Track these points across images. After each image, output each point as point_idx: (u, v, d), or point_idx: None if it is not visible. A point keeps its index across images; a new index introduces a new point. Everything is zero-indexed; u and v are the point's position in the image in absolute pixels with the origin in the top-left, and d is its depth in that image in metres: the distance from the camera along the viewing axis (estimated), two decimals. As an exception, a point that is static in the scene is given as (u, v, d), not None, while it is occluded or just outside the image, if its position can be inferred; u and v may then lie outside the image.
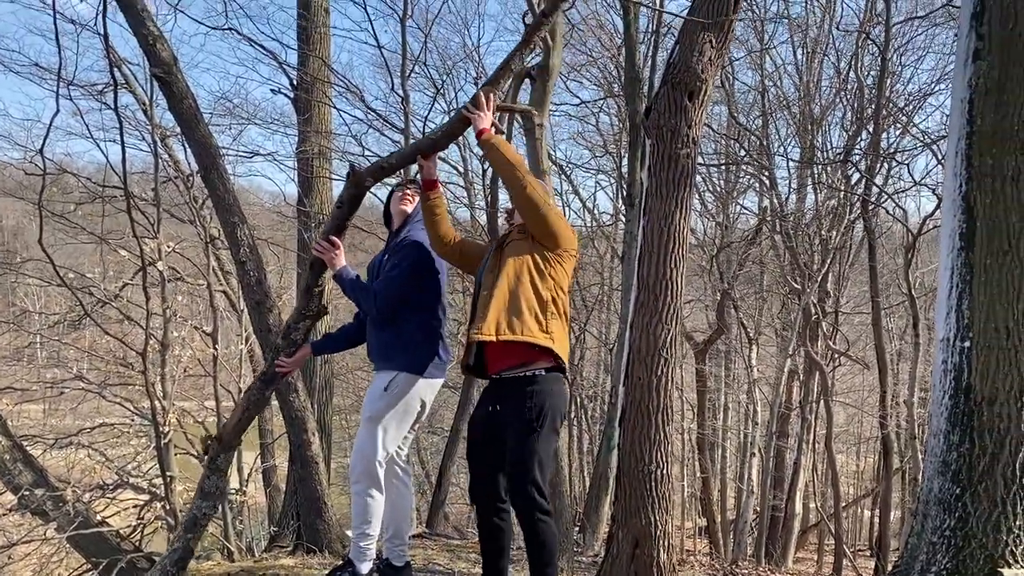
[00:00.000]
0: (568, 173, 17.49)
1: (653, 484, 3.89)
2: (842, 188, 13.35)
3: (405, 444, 3.88)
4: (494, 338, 3.12)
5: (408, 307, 3.65)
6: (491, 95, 3.32)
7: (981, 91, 3.85)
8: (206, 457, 3.93)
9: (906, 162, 13.76)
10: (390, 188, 3.91)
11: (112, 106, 6.93)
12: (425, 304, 3.70)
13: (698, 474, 17.20)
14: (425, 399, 3.76)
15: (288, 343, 3.79)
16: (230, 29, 9.09)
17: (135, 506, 9.07)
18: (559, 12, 4.05)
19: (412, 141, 3.70)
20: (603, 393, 18.48)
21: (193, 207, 8.39)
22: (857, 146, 13.09)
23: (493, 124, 3.34)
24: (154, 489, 8.86)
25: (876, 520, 17.68)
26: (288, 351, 3.79)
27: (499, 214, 7.54)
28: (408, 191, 3.83)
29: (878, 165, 12.86)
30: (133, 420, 9.97)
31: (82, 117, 8.55)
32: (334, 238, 3.57)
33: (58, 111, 6.14)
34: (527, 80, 5.55)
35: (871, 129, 12.19)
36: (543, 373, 3.18)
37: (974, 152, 3.96)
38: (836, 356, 15.20)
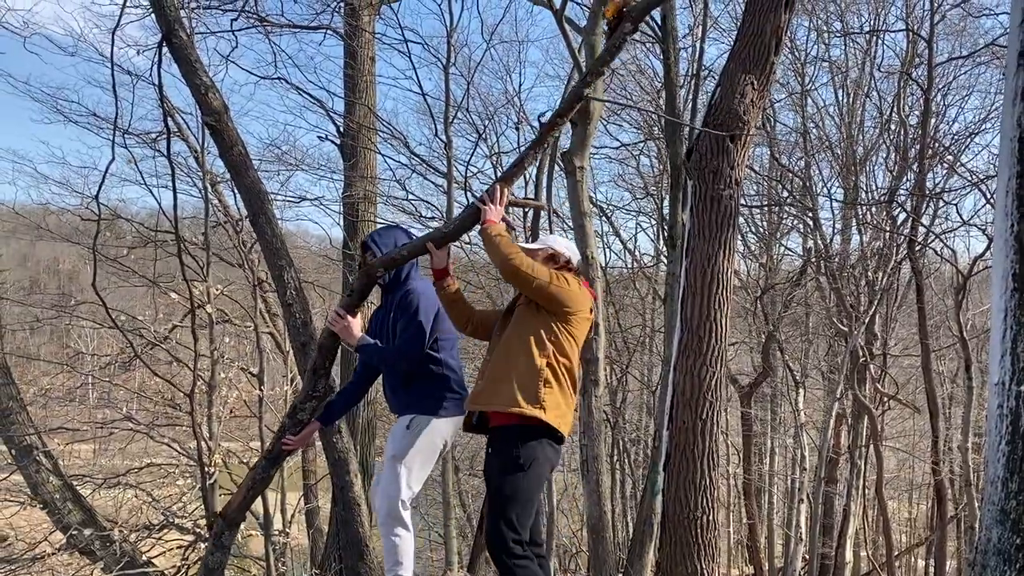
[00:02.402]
0: (609, 215, 17.52)
1: (699, 531, 3.82)
2: (888, 228, 13.18)
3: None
4: (482, 408, 3.30)
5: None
6: (504, 190, 3.46)
7: (1030, 130, 3.78)
8: (211, 533, 3.97)
9: (954, 202, 13.59)
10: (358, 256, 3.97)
11: (165, 153, 7.16)
12: (433, 349, 3.74)
13: (744, 520, 16.82)
14: (447, 437, 3.80)
15: (294, 423, 3.84)
16: (279, 78, 9.38)
17: (180, 547, 9.14)
18: (575, 112, 4.20)
19: (425, 232, 3.79)
20: (646, 436, 18.25)
21: (241, 251, 8.57)
22: (902, 186, 12.94)
23: (503, 219, 3.44)
24: (199, 530, 8.92)
25: (931, 570, 17.06)
26: (294, 430, 3.85)
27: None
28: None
29: (924, 205, 12.69)
30: (180, 461, 10.09)
31: (136, 164, 8.83)
32: (344, 312, 3.64)
33: (113, 158, 6.33)
34: (569, 124, 5.62)
35: (916, 169, 12.06)
36: (532, 427, 3.22)
37: (1024, 192, 3.89)
38: (885, 400, 14.85)
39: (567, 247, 3.52)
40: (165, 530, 8.97)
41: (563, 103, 3.54)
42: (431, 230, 3.82)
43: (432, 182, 15.19)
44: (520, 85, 25.52)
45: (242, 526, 8.72)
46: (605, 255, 18.27)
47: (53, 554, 8.28)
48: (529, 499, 3.20)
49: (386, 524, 3.67)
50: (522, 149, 3.54)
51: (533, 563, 3.15)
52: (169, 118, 7.06)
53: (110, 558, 7.85)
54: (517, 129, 16.11)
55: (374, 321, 3.97)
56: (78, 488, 8.45)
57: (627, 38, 3.49)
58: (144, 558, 8.45)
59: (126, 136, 7.37)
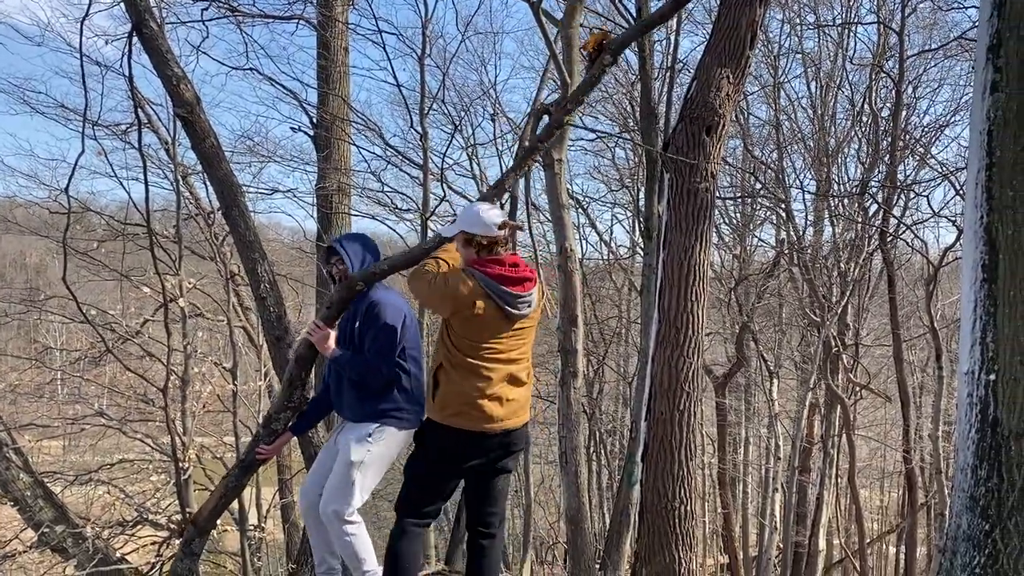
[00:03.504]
0: (585, 207, 17.56)
1: (676, 520, 3.85)
2: (859, 220, 13.32)
3: None
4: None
5: None
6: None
7: (1000, 123, 3.83)
8: (180, 540, 3.96)
9: (924, 193, 13.74)
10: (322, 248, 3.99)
11: (136, 145, 7.05)
12: (401, 357, 3.75)
13: (719, 509, 16.98)
14: (402, 448, 3.88)
15: (268, 432, 3.88)
16: (251, 69, 9.25)
17: (154, 543, 9.04)
18: (554, 138, 4.28)
19: (411, 247, 3.86)
20: (622, 427, 18.36)
21: (214, 244, 8.49)
22: (874, 178, 13.09)
23: (511, 224, 3.52)
24: (173, 526, 8.84)
25: (901, 557, 17.34)
26: (268, 440, 3.89)
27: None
28: (335, 262, 3.84)
29: (895, 197, 12.84)
30: (153, 456, 9.99)
31: (106, 156, 8.69)
32: (323, 324, 3.65)
33: (83, 151, 6.21)
34: (546, 117, 5.60)
35: (887, 161, 12.19)
36: (431, 424, 3.48)
37: (994, 184, 3.93)
38: (857, 389, 15.04)
39: (479, 222, 3.39)
40: (139, 526, 8.87)
41: (544, 130, 3.61)
42: (418, 245, 3.85)
43: (408, 173, 15.14)
44: (496, 77, 25.55)
45: (218, 521, 8.66)
46: (581, 247, 18.32)
47: (24, 552, 8.15)
48: (423, 486, 3.44)
49: (333, 526, 3.67)
50: (503, 173, 3.61)
51: (416, 540, 3.44)
52: (139, 109, 6.94)
53: (83, 555, 7.74)
54: (493, 121, 16.07)
55: (340, 322, 3.94)
56: (49, 485, 8.33)
57: (606, 70, 3.55)
58: (118, 555, 8.34)
59: (96, 128, 7.23)
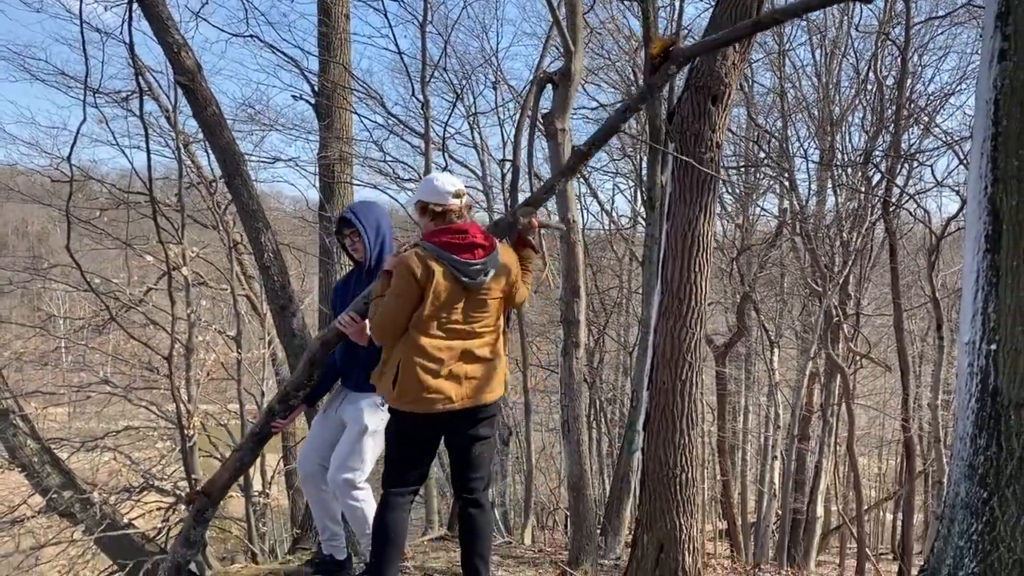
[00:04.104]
0: (586, 176, 17.49)
1: (678, 488, 3.89)
2: (863, 189, 13.27)
3: None
4: None
5: None
6: (532, 217, 3.71)
7: (1007, 92, 3.81)
8: (193, 508, 4.01)
9: (928, 163, 13.70)
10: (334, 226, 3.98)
11: (137, 113, 7.03)
12: None
13: (718, 477, 17.14)
14: None
15: (284, 408, 3.94)
16: (251, 36, 9.19)
17: (160, 508, 9.16)
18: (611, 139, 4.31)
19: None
20: (622, 396, 18.47)
21: (216, 212, 8.47)
22: (877, 147, 13.01)
23: (528, 243, 3.71)
24: (179, 491, 8.95)
25: (899, 523, 17.52)
26: (283, 415, 3.95)
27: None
28: (349, 233, 3.89)
29: (899, 166, 12.78)
30: (158, 423, 10.06)
31: (107, 124, 8.65)
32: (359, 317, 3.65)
33: (85, 119, 6.21)
34: (549, 85, 5.58)
35: (891, 130, 12.12)
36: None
37: (1000, 154, 3.93)
38: (857, 359, 15.10)
39: (432, 190, 3.42)
40: (145, 492, 8.98)
41: (599, 134, 3.58)
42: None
43: (409, 143, 15.07)
44: (498, 44, 25.25)
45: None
46: (583, 216, 18.29)
47: (33, 517, 8.27)
48: (395, 462, 3.48)
49: (343, 493, 3.73)
50: (553, 176, 3.68)
51: (398, 509, 3.46)
52: (140, 77, 6.91)
53: (91, 520, 7.85)
54: (495, 89, 15.97)
55: (342, 293, 3.95)
56: (55, 451, 8.41)
57: (670, 79, 3.50)
58: (125, 520, 8.46)
59: (97, 95, 7.20)
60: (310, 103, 9.42)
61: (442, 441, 3.55)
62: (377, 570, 3.45)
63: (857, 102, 14.12)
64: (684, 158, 3.80)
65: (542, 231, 4.00)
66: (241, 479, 8.12)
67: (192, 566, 7.46)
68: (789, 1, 3.56)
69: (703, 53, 3.63)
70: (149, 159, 6.75)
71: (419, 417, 3.36)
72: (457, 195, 3.43)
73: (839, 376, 14.08)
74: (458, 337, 3.35)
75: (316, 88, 9.31)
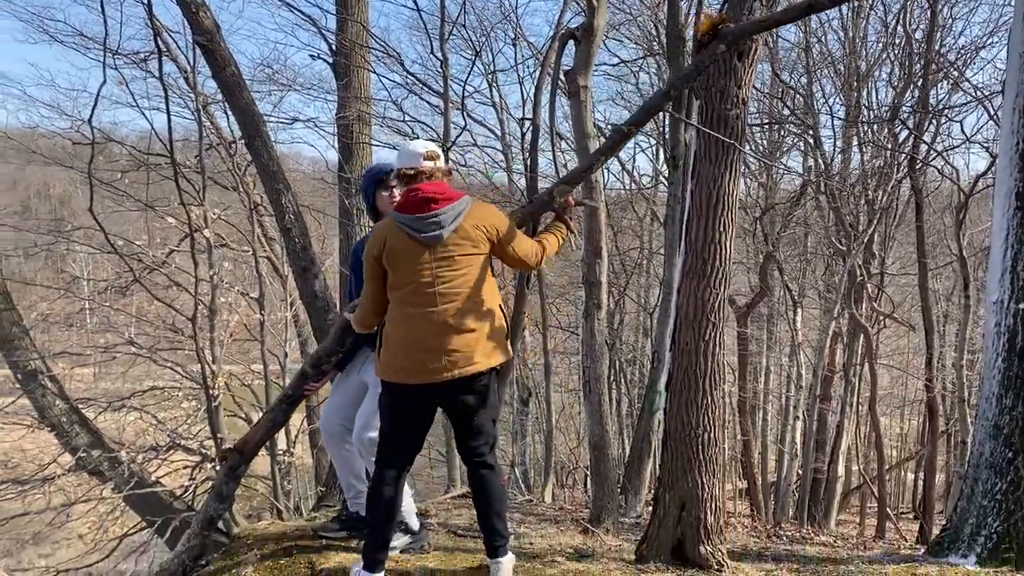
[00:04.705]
0: (607, 135, 17.26)
1: (700, 447, 3.88)
2: (889, 146, 13.04)
3: None
4: None
5: None
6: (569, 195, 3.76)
7: (1043, 45, 3.71)
8: (225, 465, 4.10)
9: (957, 119, 13.38)
10: (372, 179, 3.93)
11: (156, 74, 7.01)
12: None
13: (739, 437, 17.17)
14: None
15: (317, 372, 4.01)
16: (269, -6, 9.08)
17: (186, 467, 9.32)
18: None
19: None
20: (642, 357, 18.46)
21: (236, 174, 8.47)
22: (905, 103, 12.75)
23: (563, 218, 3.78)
24: (204, 450, 9.09)
25: (920, 483, 17.52)
26: (315, 379, 4.04)
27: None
28: (394, 185, 3.78)
29: (927, 122, 12.52)
30: (183, 384, 10.18)
31: (127, 86, 8.64)
32: None
33: (104, 81, 6.21)
34: (571, 42, 5.48)
35: (919, 85, 11.85)
36: None
37: (1035, 109, 3.83)
38: (881, 318, 14.97)
39: (404, 153, 3.45)
40: (171, 451, 9.13)
41: (640, 113, 3.54)
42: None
43: (428, 102, 14.96)
44: (517, 0, 24.81)
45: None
46: (603, 176, 18.11)
47: (63, 475, 8.44)
48: (382, 431, 3.45)
49: (368, 451, 3.75)
50: (592, 153, 3.65)
51: (391, 484, 3.39)
52: (158, 37, 6.88)
53: (119, 478, 8.01)
54: (514, 46, 15.81)
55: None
56: (83, 411, 8.56)
57: (718, 59, 3.41)
58: (152, 478, 8.62)
59: (115, 57, 7.19)
60: (328, 62, 9.35)
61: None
62: (370, 545, 3.44)
63: (884, 56, 13.80)
64: (698, 130, 3.72)
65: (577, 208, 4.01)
66: (260, 449, 8.23)
67: (220, 523, 7.61)
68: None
69: (754, 33, 3.54)
70: (169, 121, 6.76)
71: (404, 388, 3.33)
72: (428, 157, 3.40)
73: (862, 336, 13.97)
74: (432, 304, 3.26)
75: (334, 47, 9.23)
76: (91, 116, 6.38)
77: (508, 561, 3.52)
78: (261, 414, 5.67)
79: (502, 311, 3.45)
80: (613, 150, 3.66)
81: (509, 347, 3.51)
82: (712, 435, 3.91)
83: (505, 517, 3.55)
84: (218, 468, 4.23)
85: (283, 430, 10.18)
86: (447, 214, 3.27)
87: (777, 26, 3.49)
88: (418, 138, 14.85)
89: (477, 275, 3.32)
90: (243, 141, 6.80)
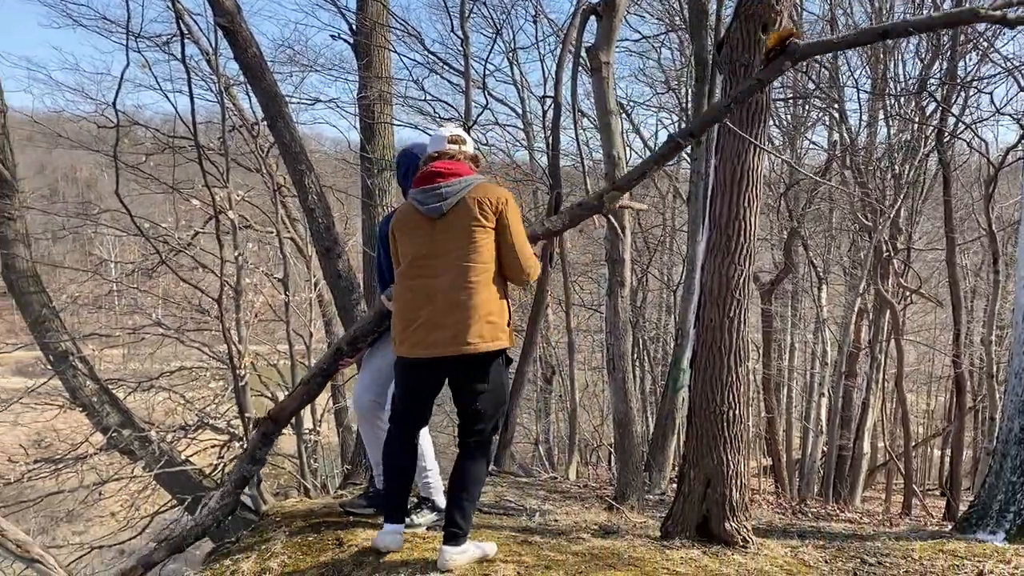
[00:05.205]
0: (629, 112, 17.15)
1: (725, 424, 3.88)
2: (916, 120, 12.83)
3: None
4: None
5: None
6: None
7: (1077, 13, 3.62)
8: (259, 431, 4.22)
9: (986, 90, 13.13)
10: (407, 161, 3.98)
11: (179, 57, 7.04)
12: None
13: (763, 414, 17.12)
14: None
15: (352, 349, 4.10)
16: (289, -26, 9.07)
17: (215, 446, 9.45)
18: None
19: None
20: (665, 335, 18.42)
21: (259, 156, 8.49)
22: (932, 75, 12.52)
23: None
24: (232, 429, 9.21)
25: (946, 460, 17.40)
26: (350, 355, 4.14)
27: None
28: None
29: (955, 94, 12.30)
30: (210, 364, 10.31)
31: (150, 69, 8.68)
32: None
33: (128, 64, 6.25)
34: (592, 17, 5.43)
35: (948, 56, 11.64)
36: None
37: (1068, 79, 3.76)
38: (908, 294, 14.82)
39: (435, 140, 3.63)
40: (200, 430, 9.27)
41: (696, 124, 3.57)
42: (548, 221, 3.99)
43: (449, 81, 14.92)
44: (537, -25, 24.53)
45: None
46: (626, 153, 17.98)
47: (95, 454, 8.59)
48: (395, 393, 3.60)
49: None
50: (644, 159, 3.72)
51: (399, 440, 3.56)
52: (180, 20, 6.89)
53: (149, 457, 8.14)
54: (535, 23, 15.69)
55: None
56: (113, 391, 8.69)
57: (781, 75, 3.41)
58: (182, 457, 8.75)
59: (138, 40, 7.22)
60: (349, 42, 9.34)
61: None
62: (387, 496, 3.59)
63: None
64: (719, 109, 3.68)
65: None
66: (292, 419, 8.32)
67: (248, 500, 7.73)
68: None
69: (823, 53, 3.56)
70: (192, 103, 6.80)
71: (406, 360, 3.41)
72: (452, 140, 3.55)
73: (888, 312, 13.84)
74: (430, 275, 3.31)
75: (354, 27, 9.21)
76: (115, 99, 6.43)
77: (458, 554, 3.36)
78: (290, 389, 5.74)
79: (505, 299, 3.42)
80: (666, 158, 3.69)
81: (510, 334, 3.46)
82: (737, 412, 3.91)
83: (467, 511, 3.40)
84: (252, 433, 4.35)
85: (308, 409, 10.29)
86: (451, 187, 3.33)
87: (850, 47, 3.51)
88: (441, 119, 14.86)
89: (477, 250, 3.29)
90: (265, 122, 6.81)
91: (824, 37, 14.33)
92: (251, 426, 4.72)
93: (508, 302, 3.45)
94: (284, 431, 8.92)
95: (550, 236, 4.03)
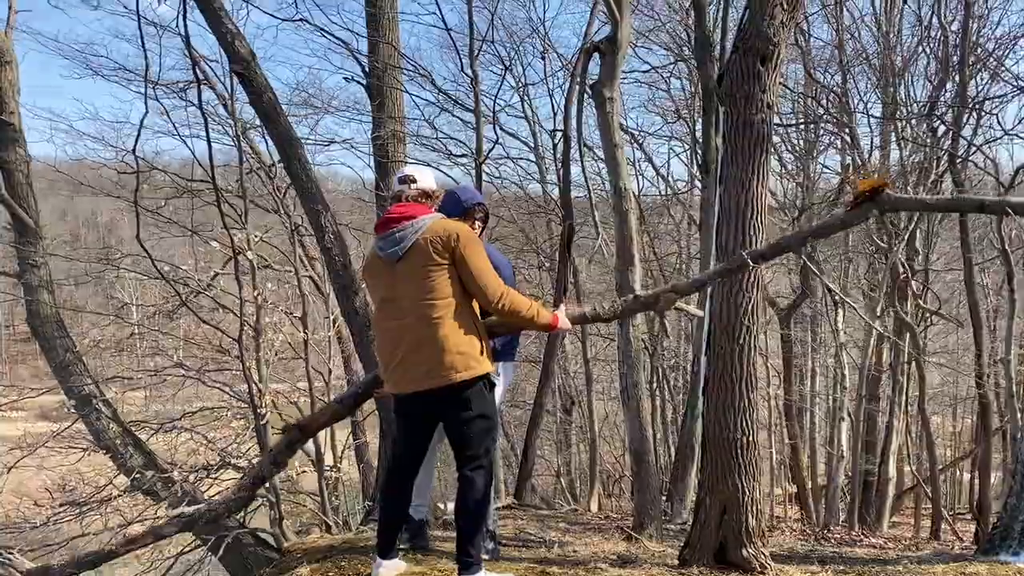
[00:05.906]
0: (640, 142, 17.27)
1: (739, 451, 3.90)
2: (927, 142, 12.85)
3: None
4: None
5: None
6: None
7: (1073, 35, 3.68)
8: (286, 438, 4.31)
9: (996, 111, 13.11)
10: (457, 207, 4.14)
11: (196, 104, 7.22)
12: None
13: (786, 440, 16.96)
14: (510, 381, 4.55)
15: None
16: (301, 20, 9.32)
17: (237, 485, 9.48)
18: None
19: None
20: (684, 363, 18.35)
21: (277, 197, 8.65)
22: (942, 97, 12.56)
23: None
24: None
25: (975, 482, 17.12)
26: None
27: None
28: (478, 217, 4.19)
29: (966, 115, 12.31)
30: (231, 403, 10.39)
31: (168, 115, 8.90)
32: None
33: (147, 111, 6.44)
34: (596, 54, 5.54)
35: (957, 78, 11.68)
36: None
37: (1068, 99, 3.81)
38: (927, 315, 14.71)
39: (393, 182, 3.91)
40: (222, 470, 9.32)
41: (767, 249, 3.70)
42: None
43: (460, 118, 15.13)
44: (544, 13, 25.00)
45: (295, 464, 9.02)
46: (638, 182, 18.09)
47: (119, 496, 8.66)
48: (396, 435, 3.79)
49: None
50: (709, 272, 3.94)
51: (385, 480, 3.85)
52: (196, 67, 7.09)
53: (173, 498, 8.19)
54: (543, 59, 15.90)
55: None
56: (136, 433, 8.78)
57: (865, 220, 3.56)
58: (205, 496, 8.80)
59: (156, 88, 7.44)
60: (362, 84, 9.54)
61: None
62: (381, 535, 3.78)
63: (920, 50, 13.60)
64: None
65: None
66: (314, 455, 8.38)
67: (270, 539, 7.76)
68: None
69: (912, 210, 3.74)
70: (210, 147, 6.97)
71: (397, 398, 3.62)
72: (403, 180, 3.68)
73: (908, 334, 13.74)
74: (396, 316, 3.45)
75: (367, 68, 9.40)
76: (135, 146, 6.63)
77: None
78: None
79: (475, 325, 3.49)
80: (730, 273, 3.73)
81: (487, 360, 3.51)
82: (751, 438, 3.93)
83: (475, 538, 3.49)
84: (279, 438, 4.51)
85: (329, 448, 10.32)
86: (404, 231, 3.45)
87: (935, 212, 3.74)
88: (451, 154, 15.06)
89: (435, 288, 3.39)
90: (282, 165, 6.97)
91: (832, 62, 14.41)
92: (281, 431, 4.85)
93: (479, 331, 3.50)
94: (304, 468, 8.98)
95: (598, 319, 4.13)
